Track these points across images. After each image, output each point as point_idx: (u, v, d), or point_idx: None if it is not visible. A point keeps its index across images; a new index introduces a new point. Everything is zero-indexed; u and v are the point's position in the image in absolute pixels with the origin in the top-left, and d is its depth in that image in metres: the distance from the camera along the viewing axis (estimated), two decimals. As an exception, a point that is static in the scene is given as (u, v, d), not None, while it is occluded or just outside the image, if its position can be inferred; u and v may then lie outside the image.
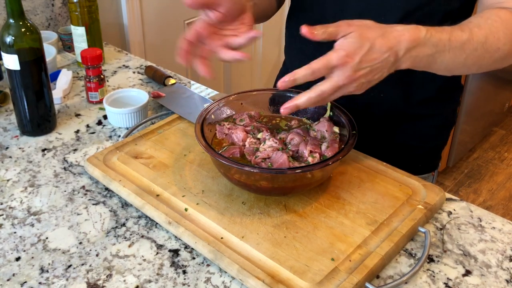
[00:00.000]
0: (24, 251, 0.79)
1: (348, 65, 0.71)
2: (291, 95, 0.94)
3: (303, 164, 0.82)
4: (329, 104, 0.92)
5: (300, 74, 0.73)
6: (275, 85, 1.22)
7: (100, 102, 1.19)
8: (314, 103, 0.74)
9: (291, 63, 1.15)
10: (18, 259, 0.77)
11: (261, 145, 0.86)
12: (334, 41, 0.97)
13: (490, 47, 0.79)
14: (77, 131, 1.09)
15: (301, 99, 0.74)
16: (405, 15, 0.90)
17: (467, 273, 0.76)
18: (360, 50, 0.71)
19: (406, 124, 1.04)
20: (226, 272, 0.75)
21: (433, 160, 1.13)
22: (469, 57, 0.79)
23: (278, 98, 0.96)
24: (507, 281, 0.74)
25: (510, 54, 0.81)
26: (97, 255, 0.78)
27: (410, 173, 0.91)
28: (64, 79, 1.25)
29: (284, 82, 0.74)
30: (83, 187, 0.92)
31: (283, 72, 1.20)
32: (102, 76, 1.18)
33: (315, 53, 1.03)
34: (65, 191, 0.91)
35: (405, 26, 0.75)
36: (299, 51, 1.09)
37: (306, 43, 1.08)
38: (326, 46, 1.00)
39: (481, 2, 0.88)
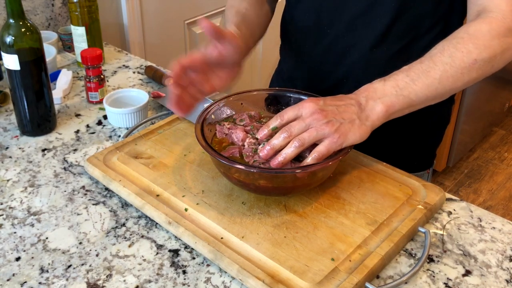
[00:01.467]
0: (24, 251, 0.79)
1: (314, 103, 0.78)
2: (290, 95, 0.94)
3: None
4: None
5: (272, 124, 0.81)
6: (271, 85, 1.23)
7: (100, 102, 1.19)
8: (286, 141, 0.77)
9: (285, 63, 1.16)
10: (18, 259, 0.77)
11: (260, 146, 0.86)
12: (338, 45, 0.97)
13: (462, 63, 0.81)
14: (77, 131, 1.09)
15: (274, 141, 0.78)
16: (398, 15, 0.92)
17: (467, 273, 0.76)
18: (324, 98, 0.80)
19: (401, 121, 1.04)
20: (226, 272, 0.75)
21: (429, 158, 1.14)
22: (443, 80, 0.81)
23: (279, 98, 0.96)
24: (507, 281, 0.74)
25: (494, 58, 0.82)
26: (97, 255, 0.78)
27: (405, 171, 0.92)
28: (64, 79, 1.25)
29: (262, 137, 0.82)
30: (83, 187, 0.92)
31: (278, 72, 1.20)
32: (102, 76, 1.18)
33: (310, 52, 1.04)
34: (65, 191, 0.91)
35: (360, 88, 0.82)
36: (296, 54, 1.09)
37: (300, 42, 1.09)
38: (321, 46, 1.01)
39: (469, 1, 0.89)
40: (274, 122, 0.81)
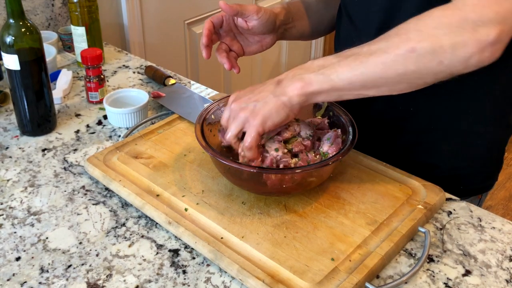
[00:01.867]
0: (24, 251, 0.79)
1: (232, 96, 0.82)
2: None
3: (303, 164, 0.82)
4: (324, 104, 0.92)
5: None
6: None
7: (100, 102, 1.19)
8: (229, 143, 0.81)
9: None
10: (18, 259, 0.77)
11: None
12: None
13: (397, 49, 0.69)
14: (77, 131, 1.09)
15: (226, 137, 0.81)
16: None
17: (467, 273, 0.76)
18: (248, 88, 0.82)
19: (448, 141, 0.94)
20: (226, 272, 0.75)
21: (480, 183, 1.00)
22: (370, 65, 0.70)
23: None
24: (507, 281, 0.74)
25: (439, 50, 0.67)
26: (97, 255, 0.78)
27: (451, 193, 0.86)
28: (64, 79, 1.25)
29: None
30: (83, 187, 0.92)
31: None
32: (102, 76, 1.18)
33: None
34: (65, 191, 0.91)
35: None
36: None
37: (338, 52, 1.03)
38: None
39: None
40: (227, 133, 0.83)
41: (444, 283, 0.74)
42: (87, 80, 1.17)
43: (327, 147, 0.84)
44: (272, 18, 0.95)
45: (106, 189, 0.91)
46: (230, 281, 0.74)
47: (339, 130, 0.87)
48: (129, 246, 0.80)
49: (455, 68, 0.69)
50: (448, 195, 0.89)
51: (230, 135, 0.79)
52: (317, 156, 0.84)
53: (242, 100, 0.78)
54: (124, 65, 1.39)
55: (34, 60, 1.00)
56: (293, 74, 0.77)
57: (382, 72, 0.70)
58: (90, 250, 0.79)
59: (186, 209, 0.83)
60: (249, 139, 0.77)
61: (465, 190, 0.97)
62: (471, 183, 0.99)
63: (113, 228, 0.83)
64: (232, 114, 0.79)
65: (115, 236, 0.81)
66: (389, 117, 0.95)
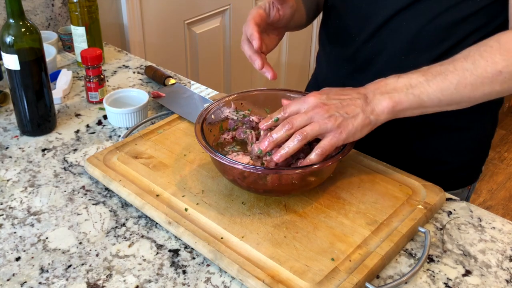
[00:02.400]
0: (24, 251, 0.79)
1: (317, 98, 0.77)
2: (290, 95, 0.94)
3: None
4: None
5: (276, 116, 0.80)
6: (307, 89, 1.19)
7: (100, 102, 1.19)
8: (287, 135, 0.77)
9: (320, 68, 1.14)
10: (18, 259, 0.77)
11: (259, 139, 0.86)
12: (365, 50, 0.96)
13: (484, 72, 0.75)
14: (77, 131, 1.09)
15: (275, 134, 0.78)
16: (432, 18, 0.88)
17: (467, 273, 0.76)
18: (328, 89, 0.79)
19: (438, 136, 0.99)
20: (226, 272, 0.75)
21: (469, 175, 1.06)
22: (460, 86, 0.76)
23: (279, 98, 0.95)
24: (507, 281, 0.74)
25: None
26: (97, 255, 0.78)
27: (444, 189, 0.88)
28: (64, 79, 1.25)
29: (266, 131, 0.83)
30: (83, 187, 0.92)
31: (314, 76, 1.18)
32: (102, 76, 1.18)
33: (337, 58, 1.02)
34: (65, 191, 0.91)
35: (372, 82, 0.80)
36: (327, 59, 1.08)
37: (332, 54, 1.06)
38: (348, 52, 0.98)
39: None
40: (277, 114, 0.80)
41: (444, 283, 0.74)
42: (87, 80, 1.17)
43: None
44: (296, 7, 0.95)
45: (106, 189, 0.91)
46: (230, 281, 0.74)
47: None
48: (129, 246, 0.80)
49: None
50: (448, 195, 0.89)
51: (307, 135, 0.75)
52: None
53: (332, 108, 0.76)
54: (124, 65, 1.39)
55: (34, 60, 1.00)
56: (381, 91, 0.77)
57: (469, 93, 0.77)
58: (90, 250, 0.79)
59: (186, 209, 0.83)
60: (327, 146, 0.76)
61: (455, 183, 1.03)
62: (460, 176, 1.04)
63: (113, 228, 0.83)
64: (317, 117, 0.76)
65: (115, 236, 0.81)
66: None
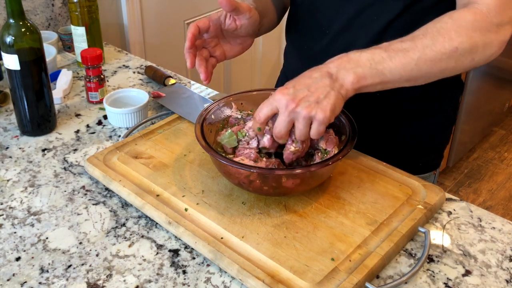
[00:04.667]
0: (24, 251, 0.79)
1: (284, 94, 0.77)
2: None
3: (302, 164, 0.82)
4: None
5: (254, 126, 0.81)
6: (277, 85, 1.23)
7: (100, 102, 1.19)
8: (278, 136, 0.79)
9: (289, 64, 1.16)
10: (18, 259, 0.77)
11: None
12: (337, 43, 0.98)
13: (443, 48, 0.78)
14: (77, 131, 1.09)
15: (264, 140, 0.81)
16: (401, 11, 0.91)
17: (467, 273, 0.76)
18: (291, 82, 0.79)
19: (406, 122, 1.04)
20: (226, 272, 0.75)
21: (434, 159, 1.13)
22: (421, 62, 0.78)
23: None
24: (507, 281, 0.75)
25: (475, 50, 0.79)
26: (97, 255, 0.78)
27: (410, 173, 0.92)
28: (64, 79, 1.25)
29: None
30: (83, 187, 0.92)
31: (283, 72, 1.21)
32: (102, 76, 1.18)
33: (309, 51, 1.04)
34: (65, 191, 0.91)
35: (334, 57, 0.81)
36: (297, 54, 1.10)
37: (301, 42, 1.09)
38: (320, 45, 1.01)
39: None
40: (255, 124, 0.81)
41: (444, 283, 0.74)
42: (87, 80, 1.17)
43: (323, 144, 0.84)
44: (258, 18, 0.95)
45: (106, 189, 0.91)
46: (230, 281, 0.74)
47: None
48: (129, 246, 0.80)
49: (480, 63, 0.82)
50: (448, 195, 0.90)
51: (305, 137, 0.77)
52: (319, 154, 0.84)
53: (303, 98, 0.76)
54: (124, 65, 1.39)
55: (34, 60, 1.00)
56: (344, 66, 0.78)
57: (428, 69, 0.79)
58: (90, 250, 0.79)
59: (186, 209, 0.83)
60: (316, 133, 0.77)
61: (424, 167, 1.09)
62: (427, 160, 1.10)
63: (113, 228, 0.83)
64: (295, 115, 0.76)
65: (115, 236, 0.81)
66: (357, 103, 0.97)
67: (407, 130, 1.05)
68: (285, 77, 1.19)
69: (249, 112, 0.94)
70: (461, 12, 0.81)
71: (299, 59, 1.09)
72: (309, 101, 0.75)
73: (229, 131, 0.86)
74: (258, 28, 0.97)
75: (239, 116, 0.93)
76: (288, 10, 1.12)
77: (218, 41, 0.95)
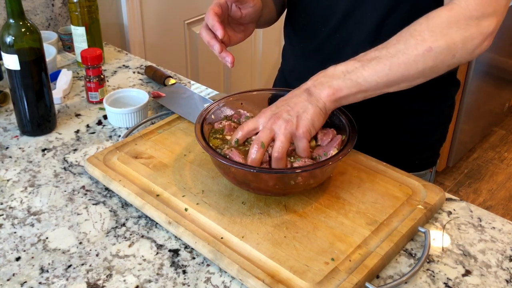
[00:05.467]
0: (24, 251, 0.79)
1: (267, 111, 0.82)
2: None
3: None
4: None
5: (236, 137, 0.83)
6: (274, 85, 1.24)
7: (100, 102, 1.19)
8: (261, 152, 0.79)
9: (286, 63, 1.17)
10: (18, 259, 0.77)
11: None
12: (331, 42, 0.99)
13: (415, 50, 0.78)
14: (77, 131, 1.09)
15: (251, 155, 0.79)
16: (393, 7, 0.92)
17: (467, 273, 0.76)
18: (274, 104, 0.83)
19: (402, 120, 1.05)
20: (226, 272, 0.75)
21: (431, 157, 1.13)
22: (394, 66, 0.79)
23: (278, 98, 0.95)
24: (507, 281, 0.75)
25: (453, 47, 0.78)
26: (97, 255, 0.78)
27: (407, 170, 0.92)
28: (64, 79, 1.25)
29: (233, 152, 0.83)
30: (83, 187, 0.92)
31: (280, 71, 1.21)
32: (102, 76, 1.18)
33: (304, 50, 1.05)
34: (65, 191, 0.91)
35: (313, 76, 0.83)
36: (293, 53, 1.10)
37: (297, 41, 1.10)
38: (315, 44, 1.01)
39: None
40: (236, 135, 0.83)
41: (444, 283, 0.74)
42: (87, 80, 1.17)
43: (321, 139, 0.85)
44: (261, 6, 0.97)
45: (106, 189, 0.91)
46: (230, 281, 0.74)
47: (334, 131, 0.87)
48: (129, 246, 0.80)
49: (464, 59, 0.81)
50: (448, 195, 0.90)
51: (280, 149, 0.79)
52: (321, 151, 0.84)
53: (283, 114, 0.80)
54: (124, 65, 1.39)
55: (34, 60, 1.00)
56: (320, 82, 0.81)
57: (404, 72, 0.79)
58: (90, 250, 0.79)
59: (186, 209, 0.83)
60: (304, 145, 0.80)
61: (420, 164, 1.10)
62: (423, 157, 1.11)
63: (113, 228, 0.83)
64: (277, 128, 0.79)
65: (115, 236, 0.81)
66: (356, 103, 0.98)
67: (403, 128, 1.06)
68: (282, 75, 1.20)
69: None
70: (437, 11, 0.81)
71: (295, 57, 1.11)
72: (290, 115, 0.79)
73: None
74: (259, 16, 0.99)
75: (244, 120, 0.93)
76: (286, 9, 1.12)
77: (224, 26, 0.96)
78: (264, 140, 0.79)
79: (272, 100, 0.98)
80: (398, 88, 0.82)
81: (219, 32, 0.88)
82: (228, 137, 0.88)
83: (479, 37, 0.79)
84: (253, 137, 0.83)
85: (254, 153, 0.79)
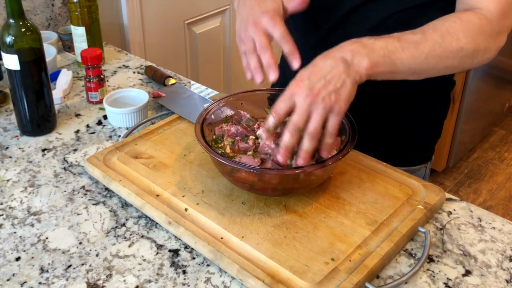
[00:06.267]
0: (24, 251, 0.79)
1: (301, 87, 0.75)
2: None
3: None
4: None
5: (270, 123, 0.78)
6: (272, 85, 1.24)
7: (100, 102, 1.19)
8: (296, 137, 0.76)
9: (284, 60, 1.16)
10: (18, 259, 0.77)
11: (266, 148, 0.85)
12: (331, 38, 0.98)
13: (450, 46, 0.81)
14: (77, 131, 1.09)
15: (285, 140, 0.76)
16: (398, 7, 0.92)
17: (467, 273, 0.76)
18: (305, 72, 0.77)
19: (397, 116, 1.05)
20: (226, 272, 0.75)
21: (425, 152, 1.14)
22: (430, 57, 0.80)
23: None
24: (507, 281, 0.74)
25: (476, 53, 0.83)
26: (97, 255, 0.78)
27: (400, 165, 0.93)
28: (64, 79, 1.25)
29: (267, 140, 0.82)
30: (83, 187, 0.92)
31: (279, 68, 1.20)
32: (102, 76, 1.18)
33: (303, 47, 1.05)
34: (65, 191, 0.91)
35: (346, 42, 0.80)
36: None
37: (301, 40, 1.10)
38: (315, 40, 1.01)
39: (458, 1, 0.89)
40: (271, 120, 0.78)
41: (444, 283, 0.74)
42: (87, 80, 1.17)
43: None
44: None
45: (106, 189, 0.91)
46: (230, 281, 0.74)
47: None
48: (129, 246, 0.80)
49: (477, 65, 0.86)
50: (448, 195, 0.90)
51: (316, 131, 0.75)
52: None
53: (321, 90, 0.74)
54: (124, 65, 1.39)
55: (34, 60, 1.00)
56: (357, 51, 0.77)
57: (435, 64, 0.82)
58: (90, 250, 0.79)
59: (186, 209, 0.83)
60: (334, 125, 0.76)
61: (414, 159, 1.11)
62: (418, 153, 1.12)
63: (113, 228, 0.83)
64: (314, 107, 0.74)
65: (115, 236, 0.81)
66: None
67: (399, 124, 1.06)
68: (282, 72, 1.19)
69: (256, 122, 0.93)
70: (468, 15, 0.83)
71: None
72: (328, 90, 0.74)
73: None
74: None
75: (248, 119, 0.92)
76: None
77: None
78: (301, 124, 0.75)
79: (271, 99, 0.98)
80: (419, 77, 0.84)
81: (295, 53, 0.84)
82: (227, 141, 0.87)
83: (494, 49, 0.85)
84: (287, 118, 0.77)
85: (289, 138, 0.75)
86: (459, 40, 0.81)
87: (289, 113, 0.77)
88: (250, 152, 0.84)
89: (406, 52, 0.79)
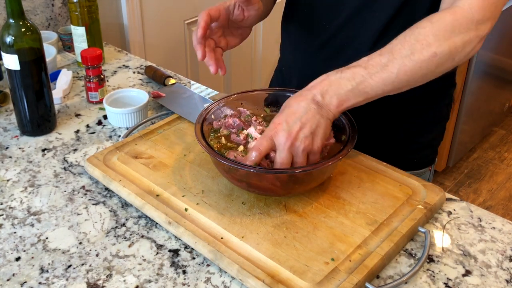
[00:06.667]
0: (24, 251, 0.79)
1: (279, 130, 0.78)
2: (290, 94, 0.93)
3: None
4: None
5: (253, 157, 0.79)
6: (271, 84, 1.23)
7: (100, 102, 1.19)
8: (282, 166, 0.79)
9: (285, 60, 1.16)
10: (18, 259, 0.77)
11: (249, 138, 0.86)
12: (331, 41, 0.98)
13: (421, 56, 0.78)
14: (77, 131, 1.09)
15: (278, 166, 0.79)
16: (398, 10, 0.92)
17: (467, 273, 0.76)
18: (282, 116, 0.79)
19: (400, 119, 1.05)
20: (226, 272, 0.75)
21: (429, 155, 1.13)
22: (401, 74, 0.78)
23: (278, 98, 0.95)
24: (507, 281, 0.74)
25: (454, 52, 0.79)
26: (97, 255, 0.78)
27: (405, 169, 0.92)
28: (64, 79, 1.25)
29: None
30: (83, 187, 0.92)
31: (277, 70, 1.20)
32: (102, 76, 1.18)
33: (306, 48, 1.05)
34: (65, 191, 0.91)
35: (315, 80, 0.82)
36: (294, 49, 1.10)
37: (298, 38, 1.09)
38: (318, 41, 1.01)
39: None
40: (251, 155, 0.79)
41: (444, 283, 0.74)
42: (87, 80, 1.17)
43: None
44: (263, 10, 0.97)
45: (106, 189, 0.91)
46: (230, 281, 0.74)
47: None
48: (129, 246, 0.80)
49: (461, 61, 0.82)
50: (448, 195, 0.90)
51: (299, 165, 0.79)
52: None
53: (298, 133, 0.78)
54: (124, 65, 1.39)
55: (34, 60, 1.00)
56: (326, 90, 0.79)
57: (409, 78, 0.80)
58: (90, 250, 0.79)
59: (186, 209, 0.83)
60: (316, 158, 0.80)
61: (418, 163, 1.10)
62: (422, 156, 1.11)
63: (113, 228, 0.83)
64: (294, 150, 0.78)
65: (115, 236, 0.81)
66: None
67: (402, 127, 1.06)
68: (280, 72, 1.19)
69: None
70: (441, 13, 0.81)
71: (296, 55, 1.10)
72: (304, 133, 0.78)
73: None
74: (260, 20, 0.99)
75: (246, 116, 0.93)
76: (285, 3, 1.12)
77: (223, 31, 0.96)
78: (286, 162, 0.78)
79: (268, 100, 0.98)
80: (400, 91, 0.83)
81: (199, 31, 0.87)
82: (223, 133, 0.88)
83: (476, 40, 0.80)
84: (271, 154, 0.81)
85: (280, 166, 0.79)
86: (430, 46, 0.78)
87: (271, 150, 0.80)
88: (241, 148, 0.85)
89: (375, 78, 0.78)
